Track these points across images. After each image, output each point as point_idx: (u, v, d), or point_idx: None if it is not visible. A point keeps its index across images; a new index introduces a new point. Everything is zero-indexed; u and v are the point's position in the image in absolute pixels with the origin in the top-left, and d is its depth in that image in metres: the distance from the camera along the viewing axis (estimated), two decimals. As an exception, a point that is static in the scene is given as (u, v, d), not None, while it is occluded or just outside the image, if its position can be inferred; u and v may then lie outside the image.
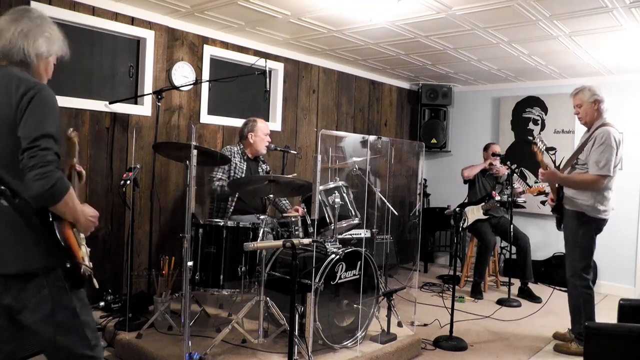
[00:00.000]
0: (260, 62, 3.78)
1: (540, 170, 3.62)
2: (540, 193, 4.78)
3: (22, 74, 1.68)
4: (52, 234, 1.68)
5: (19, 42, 1.70)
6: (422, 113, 6.71)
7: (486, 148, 5.46)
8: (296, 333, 2.70)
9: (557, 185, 3.64)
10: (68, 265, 1.70)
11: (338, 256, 3.09)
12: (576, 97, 3.58)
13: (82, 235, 1.85)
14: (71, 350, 1.74)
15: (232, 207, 3.82)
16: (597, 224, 3.48)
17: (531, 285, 5.12)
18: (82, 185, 2.05)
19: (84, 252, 1.81)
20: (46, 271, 1.69)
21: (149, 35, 4.04)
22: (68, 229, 1.74)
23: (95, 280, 1.83)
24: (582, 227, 3.47)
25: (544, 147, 3.73)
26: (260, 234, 3.25)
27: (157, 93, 3.77)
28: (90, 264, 1.85)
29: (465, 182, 5.49)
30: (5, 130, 1.63)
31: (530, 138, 6.10)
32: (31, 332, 1.75)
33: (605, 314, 3.86)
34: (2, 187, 1.61)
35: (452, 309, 3.71)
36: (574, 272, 3.52)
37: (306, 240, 2.54)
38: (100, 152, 3.83)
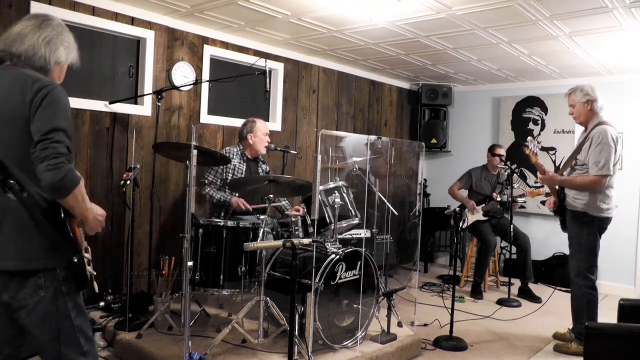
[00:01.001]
0: (260, 62, 3.78)
1: (539, 175, 3.63)
2: (539, 195, 4.78)
3: (37, 74, 1.73)
4: (64, 229, 1.68)
5: (42, 50, 1.76)
6: (422, 113, 6.71)
7: (491, 149, 5.44)
8: (296, 333, 2.70)
9: (557, 186, 3.64)
10: (75, 260, 1.70)
11: (338, 256, 3.09)
12: (569, 97, 3.60)
13: (83, 239, 1.85)
14: (62, 355, 1.73)
15: (232, 208, 3.83)
16: (601, 223, 3.47)
17: (531, 285, 5.12)
18: None
19: (86, 255, 1.80)
20: (45, 272, 1.68)
21: (149, 35, 4.04)
22: (76, 228, 1.74)
23: (95, 284, 1.82)
24: (586, 227, 3.46)
25: (537, 150, 3.74)
26: (260, 234, 3.25)
27: (157, 93, 3.77)
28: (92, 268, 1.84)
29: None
30: (18, 126, 1.65)
31: (529, 138, 6.10)
32: (27, 333, 1.75)
33: (605, 314, 3.86)
34: (11, 181, 1.61)
35: (452, 309, 3.71)
36: (578, 272, 3.51)
37: (306, 240, 2.54)
38: (100, 152, 3.83)
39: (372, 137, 3.97)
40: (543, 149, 3.78)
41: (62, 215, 1.68)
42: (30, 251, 1.68)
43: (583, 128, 3.66)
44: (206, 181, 3.84)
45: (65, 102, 1.70)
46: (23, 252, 1.67)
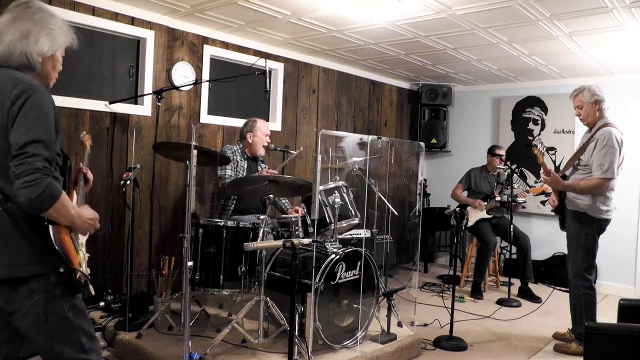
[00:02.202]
0: (260, 62, 3.78)
1: (543, 176, 3.60)
2: (543, 192, 4.77)
3: (21, 76, 1.63)
4: (47, 239, 1.64)
5: (19, 46, 1.64)
6: (422, 113, 6.71)
7: (491, 150, 5.44)
8: (296, 333, 2.70)
9: None
10: (61, 270, 1.65)
11: (338, 256, 3.09)
12: (576, 98, 3.56)
13: (81, 241, 1.82)
14: (64, 356, 1.71)
15: (232, 207, 3.83)
16: (600, 224, 3.46)
17: (531, 285, 5.11)
18: (88, 189, 2.01)
19: (81, 257, 1.77)
20: (37, 277, 1.65)
21: (149, 35, 4.04)
22: (64, 234, 1.71)
23: (91, 287, 1.79)
24: (585, 227, 3.46)
25: (545, 149, 3.72)
26: (260, 234, 3.25)
27: (157, 93, 3.77)
28: (88, 269, 1.81)
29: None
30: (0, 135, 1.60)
31: (530, 138, 6.10)
32: (24, 335, 1.74)
33: (605, 314, 3.86)
34: None
35: (452, 309, 3.71)
36: (576, 272, 3.50)
37: (306, 240, 2.54)
38: (100, 152, 3.83)
39: (369, 137, 3.97)
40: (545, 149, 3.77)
41: (46, 223, 1.64)
42: (19, 258, 1.64)
43: (586, 128, 3.64)
44: (225, 176, 3.79)
45: (46, 108, 1.59)
46: (12, 259, 1.64)
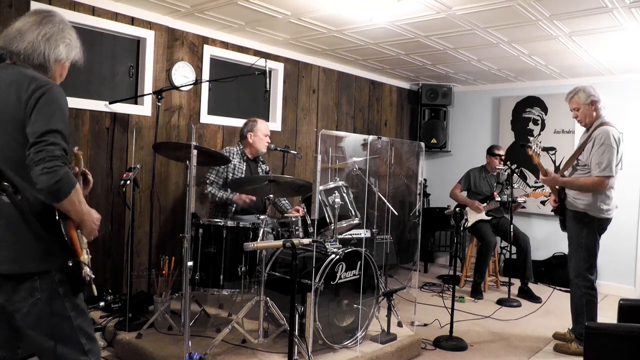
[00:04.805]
0: (260, 62, 3.78)
1: (541, 176, 3.61)
2: (543, 196, 4.78)
3: (36, 74, 1.69)
4: (57, 233, 1.65)
5: (41, 47, 1.72)
6: (422, 113, 6.71)
7: (490, 150, 5.44)
8: (296, 333, 2.70)
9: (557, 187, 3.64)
10: (70, 264, 1.66)
11: (338, 256, 3.09)
12: (572, 100, 3.56)
13: (84, 241, 1.83)
14: (61, 356, 1.70)
15: (234, 208, 3.83)
16: (601, 224, 3.46)
17: (531, 285, 5.12)
18: (87, 191, 2.00)
19: (85, 258, 1.77)
20: (41, 274, 1.65)
21: (149, 35, 4.04)
22: (73, 231, 1.71)
23: (94, 287, 1.79)
24: (586, 227, 3.46)
25: (539, 150, 3.73)
26: (260, 234, 3.25)
27: (157, 93, 3.77)
28: (91, 270, 1.81)
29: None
30: (13, 127, 1.62)
31: (530, 138, 6.10)
32: (23, 335, 1.73)
33: (605, 314, 3.86)
34: (5, 184, 1.58)
35: (452, 309, 3.71)
36: (578, 272, 3.50)
37: (306, 240, 2.54)
38: (100, 152, 3.83)
39: (370, 137, 3.97)
40: (544, 149, 3.77)
41: (57, 217, 1.65)
42: (24, 254, 1.64)
43: (584, 128, 3.65)
44: (207, 180, 3.84)
45: (62, 103, 1.66)
46: (17, 255, 1.64)
